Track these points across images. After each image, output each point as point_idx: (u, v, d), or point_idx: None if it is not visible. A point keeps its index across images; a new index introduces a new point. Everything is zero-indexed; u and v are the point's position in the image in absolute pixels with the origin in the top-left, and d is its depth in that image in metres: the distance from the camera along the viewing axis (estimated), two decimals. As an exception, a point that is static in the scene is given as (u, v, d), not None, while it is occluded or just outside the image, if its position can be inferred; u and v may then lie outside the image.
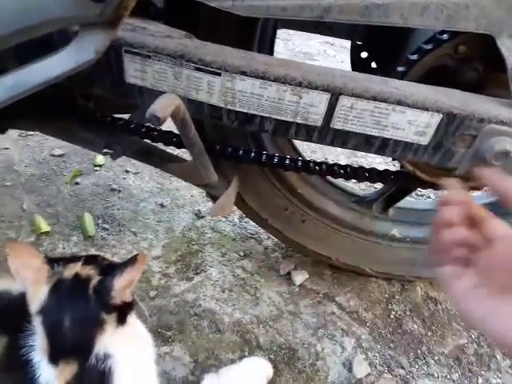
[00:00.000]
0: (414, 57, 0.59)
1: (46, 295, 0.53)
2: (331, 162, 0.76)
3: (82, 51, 0.48)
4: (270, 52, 0.74)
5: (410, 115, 0.55)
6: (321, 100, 0.56)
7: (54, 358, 0.52)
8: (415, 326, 0.92)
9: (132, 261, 0.55)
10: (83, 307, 0.54)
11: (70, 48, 0.48)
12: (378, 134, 0.58)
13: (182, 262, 1.01)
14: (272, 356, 0.82)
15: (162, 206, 1.18)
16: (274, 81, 0.55)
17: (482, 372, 0.84)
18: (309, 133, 0.60)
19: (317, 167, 0.75)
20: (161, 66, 0.57)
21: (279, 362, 0.81)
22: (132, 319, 0.61)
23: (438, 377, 0.83)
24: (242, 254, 1.04)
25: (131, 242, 1.06)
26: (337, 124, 0.58)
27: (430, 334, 0.91)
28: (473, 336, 0.91)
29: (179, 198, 1.22)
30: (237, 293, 0.94)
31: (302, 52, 2.43)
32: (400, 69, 0.61)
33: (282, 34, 2.31)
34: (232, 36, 0.64)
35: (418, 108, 0.55)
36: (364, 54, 0.82)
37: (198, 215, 1.15)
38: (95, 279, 0.55)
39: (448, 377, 0.83)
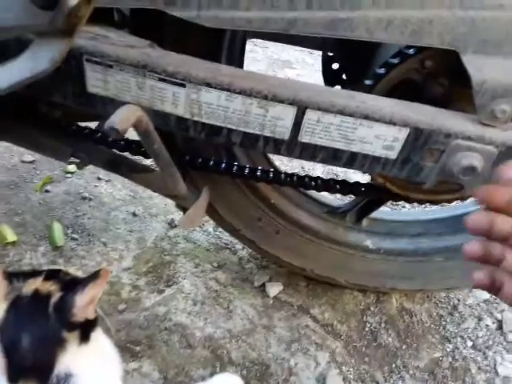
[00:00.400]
0: (381, 70, 0.59)
1: (3, 313, 0.51)
2: (302, 174, 0.75)
3: (36, 60, 0.46)
4: (240, 62, 0.73)
5: (377, 129, 0.55)
6: (287, 113, 0.55)
7: (13, 377, 0.49)
8: (390, 339, 0.91)
9: (94, 276, 0.53)
10: (43, 325, 0.51)
11: (24, 57, 0.46)
12: (346, 147, 0.57)
13: (154, 274, 0.98)
14: (244, 372, 0.80)
15: (134, 214, 1.15)
16: (239, 93, 0.54)
17: (456, 386, 0.84)
18: (277, 146, 0.58)
19: (288, 179, 0.74)
20: (123, 75, 0.55)
21: (251, 378, 0.80)
22: (96, 335, 0.58)
23: (411, 391, 0.82)
24: (215, 264, 1.02)
25: (101, 253, 1.03)
26: (304, 137, 0.57)
27: (404, 347, 0.90)
28: (447, 349, 0.91)
29: (152, 206, 1.19)
30: (209, 306, 0.92)
31: (280, 60, 2.43)
32: (367, 82, 0.61)
33: (260, 41, 2.31)
34: (199, 46, 0.63)
35: (385, 122, 0.54)
36: (335, 66, 0.82)
37: (171, 224, 1.13)
38: (56, 296, 0.53)
39: (422, 391, 0.83)
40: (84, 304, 0.52)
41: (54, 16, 0.39)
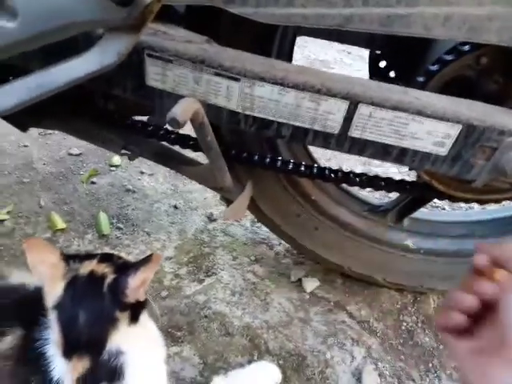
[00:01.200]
0: (435, 67, 0.59)
1: (61, 291, 0.54)
2: (346, 170, 0.75)
3: (105, 54, 0.49)
4: (289, 59, 0.75)
5: (429, 125, 0.55)
6: (339, 108, 0.56)
7: (68, 352, 0.53)
8: (427, 339, 0.91)
9: (146, 260, 0.56)
10: (98, 304, 0.54)
11: (94, 50, 0.49)
12: (396, 143, 0.57)
13: (194, 264, 1.02)
14: (281, 362, 0.82)
15: (175, 207, 1.19)
16: (292, 87, 0.55)
17: (495, 389, 0.83)
18: (326, 140, 0.60)
19: (332, 175, 0.75)
20: (181, 70, 0.57)
21: (288, 368, 0.81)
22: (144, 318, 0.61)
23: (448, 392, 0.81)
24: (253, 258, 1.04)
25: (144, 242, 1.07)
26: (355, 132, 0.58)
27: (442, 347, 0.89)
28: (486, 352, 0.89)
29: (192, 200, 1.23)
30: (247, 297, 0.94)
31: (318, 59, 2.43)
32: (420, 79, 0.61)
33: (298, 40, 2.32)
34: (252, 42, 0.65)
35: (437, 118, 0.54)
36: (382, 64, 0.82)
37: (211, 218, 1.16)
38: (110, 277, 0.56)
39: (459, 392, 0.81)
40: (136, 286, 0.55)
41: (130, 12, 0.42)
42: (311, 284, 0.98)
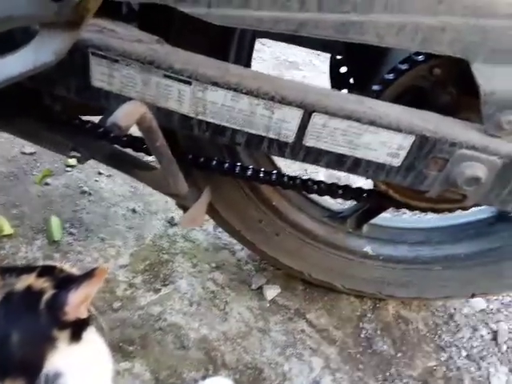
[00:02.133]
0: (390, 76, 0.58)
1: (-6, 309, 0.50)
2: (305, 177, 0.74)
3: (40, 52, 0.45)
4: (248, 61, 0.73)
5: (383, 136, 0.54)
6: (293, 116, 0.54)
7: (0, 375, 0.48)
8: (385, 347, 0.91)
9: (89, 275, 0.52)
10: (33, 323, 0.50)
11: (28, 48, 0.45)
12: (350, 153, 0.57)
13: (150, 272, 0.98)
14: (237, 376, 0.80)
15: (133, 211, 1.14)
16: (246, 94, 0.53)
17: (449, 396, 0.84)
18: (281, 148, 0.58)
19: (290, 182, 0.74)
20: (129, 71, 0.54)
21: (244, 382, 0.79)
22: (89, 335, 0.57)
23: (404, 400, 0.82)
24: (213, 265, 1.02)
25: (98, 249, 1.02)
26: (309, 141, 0.56)
27: (399, 355, 0.90)
28: (442, 358, 0.91)
29: (152, 203, 1.18)
30: (205, 307, 0.91)
31: (287, 61, 2.42)
32: (375, 88, 0.60)
33: (268, 41, 2.31)
34: (208, 43, 0.62)
35: (391, 129, 0.54)
36: (343, 69, 0.82)
37: (171, 223, 1.12)
38: (49, 293, 0.52)
39: (415, 400, 0.82)
40: (77, 303, 0.51)
41: (61, 7, 0.39)
42: (272, 291, 0.97)
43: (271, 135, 0.57)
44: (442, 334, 0.96)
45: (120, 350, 0.80)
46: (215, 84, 0.53)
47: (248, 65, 0.73)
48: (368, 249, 0.92)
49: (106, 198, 1.18)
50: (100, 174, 1.27)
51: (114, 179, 1.26)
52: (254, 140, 0.57)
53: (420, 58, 0.57)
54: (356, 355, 0.88)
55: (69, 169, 1.27)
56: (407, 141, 0.54)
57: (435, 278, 0.91)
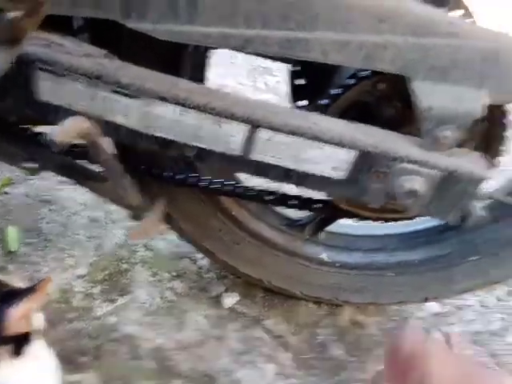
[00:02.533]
0: (336, 91, 0.61)
1: None
2: (258, 188, 0.76)
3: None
4: (202, 73, 0.74)
5: (327, 151, 0.56)
6: (239, 131, 0.56)
7: None
8: (339, 352, 0.93)
9: (32, 289, 0.52)
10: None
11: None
12: (296, 167, 0.58)
13: (109, 282, 0.97)
14: (191, 384, 0.80)
15: (94, 220, 1.13)
16: (193, 108, 0.54)
17: (400, 397, 0.87)
18: (230, 162, 0.59)
19: (244, 192, 0.75)
20: (76, 85, 0.54)
21: (197, 390, 0.80)
22: (33, 348, 0.57)
23: (357, 404, 0.84)
24: (174, 274, 1.02)
25: (56, 259, 1.00)
26: (256, 155, 0.58)
27: (353, 359, 0.92)
28: (394, 361, 0.94)
29: (114, 212, 1.17)
30: (162, 316, 0.91)
31: (261, 66, 2.43)
32: (323, 102, 0.62)
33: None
34: (159, 58, 0.63)
35: (334, 144, 0.56)
36: (300, 81, 0.83)
37: (132, 232, 1.11)
38: (-12, 308, 0.51)
39: (367, 403, 0.85)
40: (18, 317, 0.51)
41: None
42: (230, 299, 0.97)
43: (219, 149, 0.58)
44: (396, 337, 0.99)
45: (73, 361, 0.79)
46: (163, 99, 0.54)
47: (202, 78, 0.74)
48: (324, 256, 0.94)
49: (67, 207, 1.16)
50: (62, 182, 1.25)
51: (76, 188, 1.22)
52: (203, 153, 0.58)
53: (364, 73, 0.59)
54: (310, 360, 0.90)
55: (30, 177, 1.24)
56: (350, 155, 0.57)
57: (389, 284, 0.94)
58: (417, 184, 0.57)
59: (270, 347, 0.90)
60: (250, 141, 0.56)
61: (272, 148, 0.57)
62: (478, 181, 0.57)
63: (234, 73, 2.10)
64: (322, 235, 0.94)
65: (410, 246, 0.93)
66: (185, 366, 0.83)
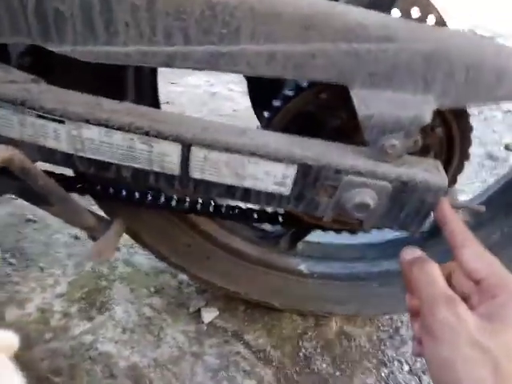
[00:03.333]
0: (278, 103, 0.57)
1: None
2: (218, 203, 0.73)
3: None
4: (155, 95, 0.72)
5: (264, 166, 0.53)
6: (173, 150, 0.53)
7: None
8: (324, 365, 0.89)
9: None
10: None
11: None
12: (238, 184, 0.55)
13: (87, 301, 0.96)
14: (164, 404, 0.78)
15: (75, 238, 1.13)
16: (118, 129, 0.52)
17: (386, 415, 0.82)
18: (169, 182, 0.56)
19: (204, 209, 0.72)
20: (3, 112, 0.53)
21: (171, 410, 0.78)
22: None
23: (339, 422, 0.80)
24: (152, 290, 1.00)
25: (36, 279, 1.00)
26: (195, 174, 0.55)
27: (338, 373, 0.88)
28: (382, 374, 0.89)
29: (97, 228, 1.16)
30: (139, 333, 0.90)
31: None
32: (266, 114, 0.59)
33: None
34: (99, 80, 0.61)
35: (271, 159, 0.52)
36: (261, 91, 0.80)
37: (114, 247, 1.10)
38: None
39: (349, 421, 0.80)
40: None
41: None
42: (210, 314, 0.95)
43: (156, 169, 0.55)
44: (385, 349, 0.95)
45: (48, 381, 0.79)
46: (87, 121, 0.52)
47: (155, 96, 0.72)
48: (302, 267, 0.91)
49: (50, 226, 1.16)
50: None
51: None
52: (139, 174, 0.56)
53: (305, 84, 0.55)
54: (293, 376, 0.87)
55: (15, 196, 1.25)
56: (290, 170, 0.53)
57: (373, 295, 0.90)
58: (367, 197, 0.53)
59: (249, 362, 0.88)
60: (185, 160, 0.53)
61: (210, 166, 0.54)
62: (437, 190, 0.52)
63: (225, 80, 2.08)
64: (299, 246, 0.91)
65: (391, 255, 0.88)
66: (159, 383, 0.82)
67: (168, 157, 0.54)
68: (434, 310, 0.42)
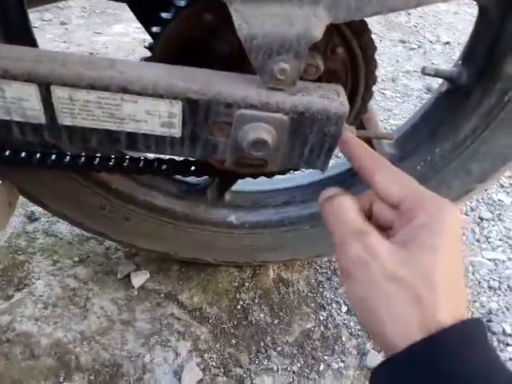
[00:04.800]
0: (157, 29, 0.49)
1: None
2: (121, 156, 0.65)
3: None
4: (31, 38, 0.61)
5: (144, 104, 0.45)
6: (29, 93, 0.44)
7: None
8: (262, 315, 0.87)
9: None
10: None
11: None
12: (119, 128, 0.48)
13: (3, 278, 0.88)
14: (92, 377, 0.74)
15: (-14, 212, 1.02)
16: (-47, 72, 0.42)
17: (325, 357, 0.82)
18: (37, 132, 0.48)
19: (102, 163, 0.64)
20: None
21: (99, 382, 0.73)
22: None
23: (277, 370, 0.79)
24: (76, 259, 0.93)
25: None
26: (65, 120, 0.47)
27: (276, 321, 0.87)
28: (321, 318, 0.89)
29: (12, 199, 1.06)
30: (62, 307, 0.83)
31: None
32: (148, 44, 0.50)
33: None
34: None
35: (149, 95, 0.45)
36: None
37: (31, 218, 1.01)
38: None
39: (288, 368, 0.80)
40: None
41: None
42: (140, 278, 0.90)
43: (17, 118, 0.46)
44: (324, 291, 0.94)
45: (-42, 372, 0.72)
46: None
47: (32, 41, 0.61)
48: (232, 218, 0.86)
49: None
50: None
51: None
52: (0, 126, 0.47)
53: (182, 2, 0.47)
54: (230, 330, 0.84)
55: None
56: (175, 107, 0.46)
57: (305, 238, 0.87)
58: (263, 132, 0.47)
59: (183, 323, 0.84)
60: (48, 103, 0.45)
61: (79, 108, 0.46)
62: (337, 118, 0.47)
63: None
64: (227, 196, 0.85)
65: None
66: (86, 357, 0.76)
67: (25, 102, 0.45)
68: (345, 248, 0.38)
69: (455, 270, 0.35)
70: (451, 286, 0.34)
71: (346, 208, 0.42)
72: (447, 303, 0.33)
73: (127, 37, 1.95)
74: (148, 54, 0.52)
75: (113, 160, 0.65)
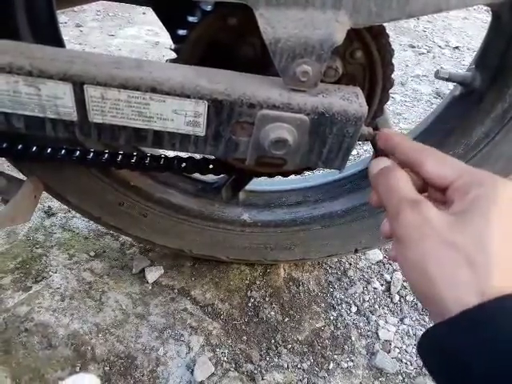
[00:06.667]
0: (183, 32, 0.51)
1: None
2: (142, 154, 0.67)
3: None
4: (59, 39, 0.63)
5: (172, 104, 0.48)
6: (64, 91, 0.46)
7: None
8: (273, 313, 0.89)
9: None
10: None
11: None
12: (146, 126, 0.50)
13: (21, 270, 0.90)
14: (107, 368, 0.76)
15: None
16: (-3, 71, 0.45)
17: (335, 356, 0.83)
18: (69, 129, 0.50)
19: (125, 161, 0.67)
20: None
21: (114, 373, 0.75)
22: None
23: (287, 367, 0.80)
24: (92, 254, 0.95)
25: (-38, 253, 0.93)
26: (95, 117, 0.49)
27: (287, 319, 0.88)
28: (331, 317, 0.90)
29: (31, 194, 1.09)
30: (79, 300, 0.86)
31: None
32: (174, 46, 0.53)
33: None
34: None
35: (177, 95, 0.47)
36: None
37: (48, 213, 1.04)
38: None
39: (299, 366, 0.81)
40: None
41: None
42: (154, 273, 0.92)
43: (50, 115, 0.49)
44: (334, 291, 0.96)
45: (-21, 360, 0.74)
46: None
47: (57, 39, 0.63)
48: (245, 217, 0.88)
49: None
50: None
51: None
52: (34, 122, 0.49)
53: (208, 7, 0.49)
54: (241, 326, 0.86)
55: None
56: (201, 107, 0.48)
57: (315, 238, 0.89)
58: (284, 132, 0.49)
59: (196, 318, 0.86)
60: (81, 101, 0.47)
61: (110, 107, 0.48)
62: (356, 119, 0.49)
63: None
64: (241, 195, 0.87)
65: (333, 197, 0.87)
66: (102, 349, 0.79)
67: (60, 99, 0.47)
68: (399, 216, 0.39)
69: (511, 238, 0.35)
70: (507, 253, 0.34)
71: (400, 179, 0.42)
72: (502, 269, 0.33)
73: (140, 39, 1.97)
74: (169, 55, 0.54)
75: (134, 157, 0.67)
